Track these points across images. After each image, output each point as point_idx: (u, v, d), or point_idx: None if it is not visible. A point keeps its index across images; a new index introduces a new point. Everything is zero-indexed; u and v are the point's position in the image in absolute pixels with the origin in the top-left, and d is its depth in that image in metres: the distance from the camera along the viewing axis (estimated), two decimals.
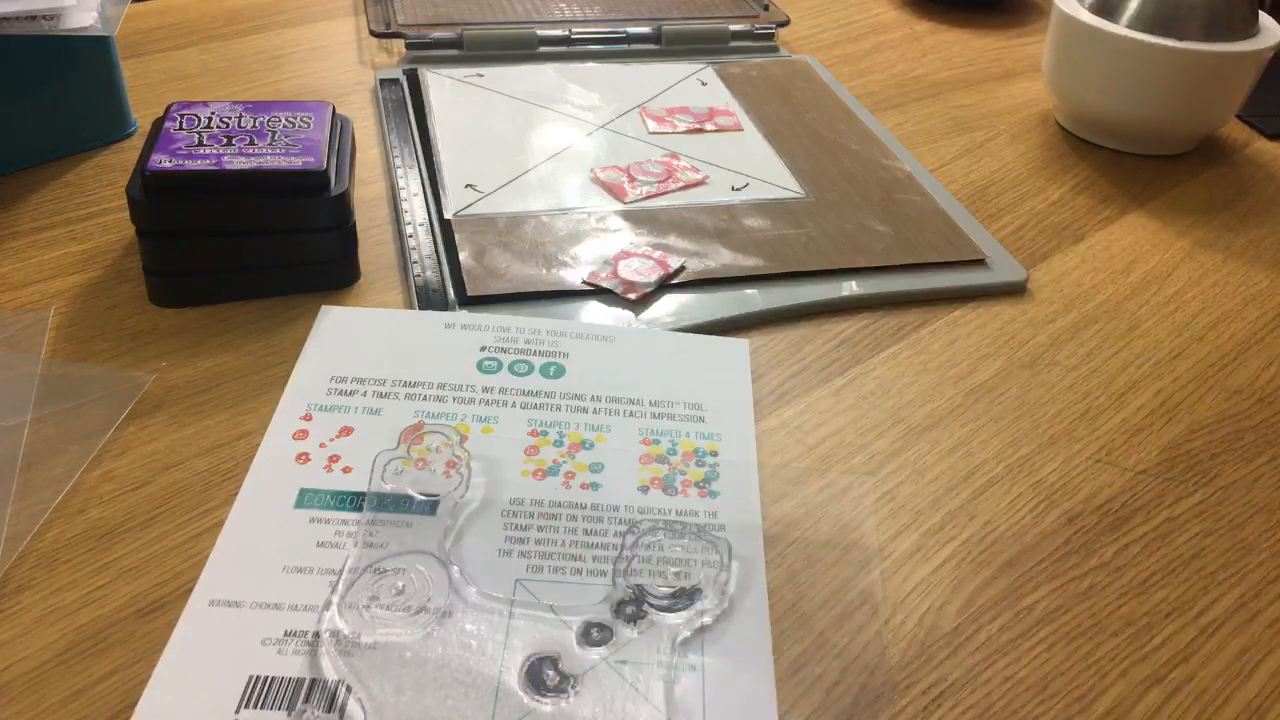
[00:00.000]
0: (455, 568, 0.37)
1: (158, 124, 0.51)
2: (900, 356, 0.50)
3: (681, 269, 0.54)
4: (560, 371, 0.47)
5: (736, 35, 0.80)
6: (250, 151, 0.49)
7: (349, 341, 0.48)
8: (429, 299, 0.51)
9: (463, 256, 0.54)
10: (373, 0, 0.80)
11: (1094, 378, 0.50)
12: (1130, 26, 0.65)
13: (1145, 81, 0.66)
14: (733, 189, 0.61)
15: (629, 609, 0.36)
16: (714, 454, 0.43)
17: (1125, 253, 0.60)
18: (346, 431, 0.43)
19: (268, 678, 0.33)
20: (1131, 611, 0.38)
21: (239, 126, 0.51)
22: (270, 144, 0.50)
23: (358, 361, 0.46)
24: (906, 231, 0.58)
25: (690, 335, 0.50)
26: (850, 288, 0.54)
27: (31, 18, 0.55)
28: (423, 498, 0.40)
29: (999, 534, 0.41)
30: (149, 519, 0.39)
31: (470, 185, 0.60)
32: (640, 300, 0.52)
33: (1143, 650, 0.37)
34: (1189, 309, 0.55)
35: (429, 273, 0.53)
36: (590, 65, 0.76)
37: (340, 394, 0.45)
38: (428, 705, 0.33)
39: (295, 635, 0.35)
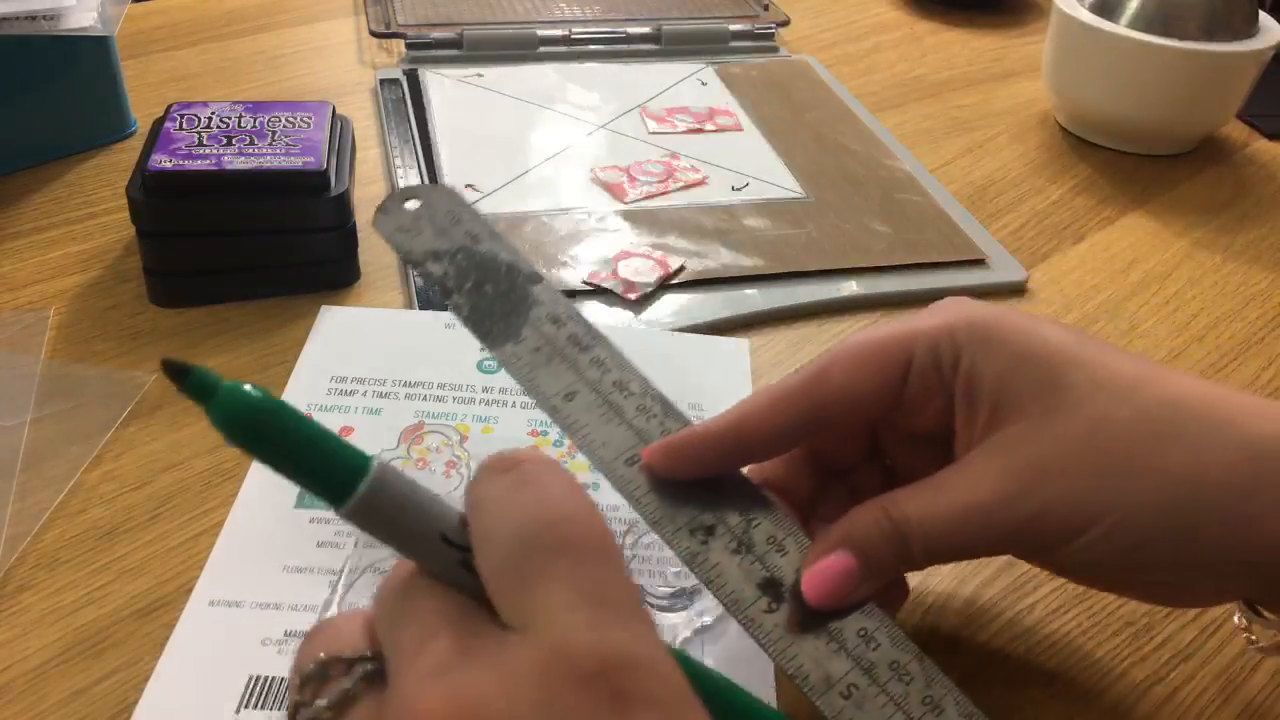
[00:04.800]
0: None
1: (158, 124, 0.51)
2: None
3: (681, 269, 0.54)
4: None
5: (736, 35, 0.80)
6: (250, 151, 0.49)
7: (349, 341, 0.48)
8: (429, 299, 0.51)
9: None
10: (373, 0, 0.80)
11: None
12: (1130, 26, 0.65)
13: (1145, 81, 0.66)
14: (733, 189, 0.61)
15: None
16: None
17: (1125, 253, 0.60)
18: (346, 431, 0.43)
19: (268, 678, 0.33)
20: (1131, 611, 0.38)
21: (239, 126, 0.51)
22: (270, 144, 0.50)
23: (358, 361, 0.46)
24: (906, 231, 0.58)
25: (690, 335, 0.50)
26: (850, 288, 0.54)
27: (31, 18, 0.55)
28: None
29: None
30: (149, 519, 0.39)
31: (470, 185, 0.60)
32: (640, 300, 0.52)
33: (1143, 650, 0.37)
34: (1189, 309, 0.55)
35: None
36: (590, 65, 0.76)
37: (340, 394, 0.45)
38: None
39: (295, 635, 0.35)
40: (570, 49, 0.78)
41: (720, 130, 0.68)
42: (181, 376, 0.21)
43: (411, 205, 0.37)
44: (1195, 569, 0.31)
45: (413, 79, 0.71)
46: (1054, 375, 0.31)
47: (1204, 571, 0.31)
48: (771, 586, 0.31)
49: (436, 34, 0.76)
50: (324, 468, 0.22)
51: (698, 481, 0.32)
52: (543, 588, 0.21)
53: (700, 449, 0.32)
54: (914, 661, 0.30)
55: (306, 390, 0.45)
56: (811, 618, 0.30)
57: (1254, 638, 0.34)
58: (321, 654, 0.23)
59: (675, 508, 0.32)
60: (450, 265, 0.36)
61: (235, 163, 0.48)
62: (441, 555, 0.23)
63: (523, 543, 0.22)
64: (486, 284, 0.36)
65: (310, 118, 0.52)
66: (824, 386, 0.32)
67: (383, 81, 0.71)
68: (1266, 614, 0.33)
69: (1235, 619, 0.35)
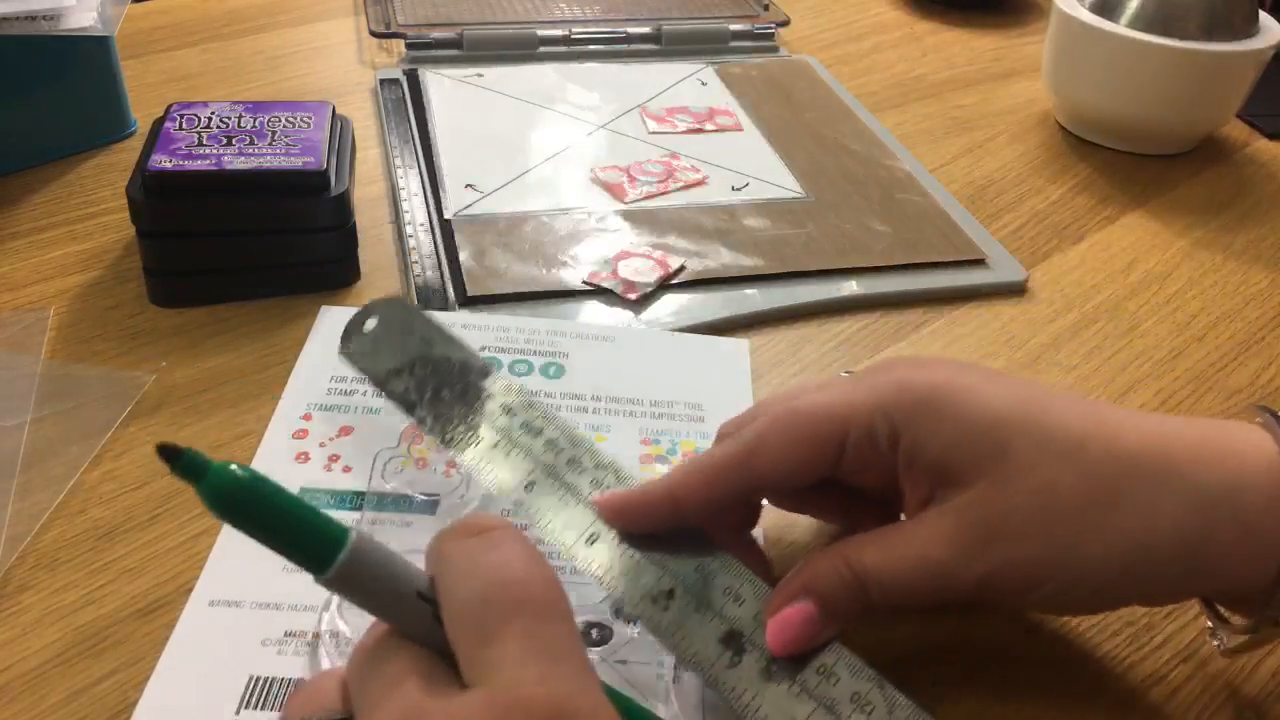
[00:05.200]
0: None
1: (158, 124, 0.51)
2: (901, 357, 0.50)
3: (681, 269, 0.54)
4: (560, 371, 0.47)
5: (736, 35, 0.80)
6: (250, 151, 0.49)
7: None
8: (429, 299, 0.51)
9: (463, 256, 0.54)
10: (373, 0, 0.80)
11: (1094, 377, 0.50)
12: (1130, 26, 0.65)
13: (1145, 81, 0.66)
14: (733, 189, 0.61)
15: None
16: None
17: (1125, 252, 0.60)
18: (346, 431, 0.43)
19: (268, 678, 0.33)
20: (1132, 611, 0.38)
21: (239, 126, 0.51)
22: (270, 144, 0.50)
23: None
24: (906, 231, 0.58)
25: (690, 335, 0.50)
26: (850, 288, 0.54)
27: (31, 18, 0.55)
28: (423, 497, 0.40)
29: None
30: (149, 519, 0.39)
31: (470, 185, 0.60)
32: (640, 300, 0.52)
33: (1142, 650, 0.37)
34: (1189, 309, 0.55)
35: (429, 273, 0.53)
36: (590, 65, 0.76)
37: (340, 394, 0.45)
38: None
39: (295, 635, 0.35)
40: (570, 49, 0.78)
41: (720, 130, 0.68)
42: (175, 459, 0.22)
43: (370, 325, 0.41)
44: (1148, 604, 0.33)
45: (413, 79, 0.71)
46: (1000, 443, 0.31)
47: (1157, 603, 0.33)
48: (732, 639, 0.32)
49: (436, 34, 0.76)
50: (306, 540, 0.24)
51: (652, 543, 0.33)
52: (499, 644, 0.23)
53: (641, 512, 0.33)
54: (874, 690, 0.31)
55: (306, 390, 0.45)
56: (772, 664, 0.31)
57: (1219, 642, 0.35)
58: (300, 715, 0.25)
59: (634, 579, 0.33)
60: (411, 379, 0.39)
61: (235, 163, 0.48)
62: (417, 611, 0.25)
63: (483, 601, 0.24)
64: (444, 389, 0.39)
65: (310, 118, 0.52)
66: (756, 462, 0.33)
67: (383, 81, 0.71)
68: (1224, 612, 0.34)
69: (1206, 624, 0.36)
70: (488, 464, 0.36)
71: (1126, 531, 0.30)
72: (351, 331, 0.41)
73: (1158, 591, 0.32)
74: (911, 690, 0.32)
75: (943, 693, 0.35)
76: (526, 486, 0.35)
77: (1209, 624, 0.35)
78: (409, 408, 0.39)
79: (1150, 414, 0.33)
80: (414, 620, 0.25)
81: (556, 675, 0.23)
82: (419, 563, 0.36)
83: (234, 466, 0.23)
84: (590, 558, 0.34)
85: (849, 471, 0.34)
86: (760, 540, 0.39)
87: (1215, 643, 0.35)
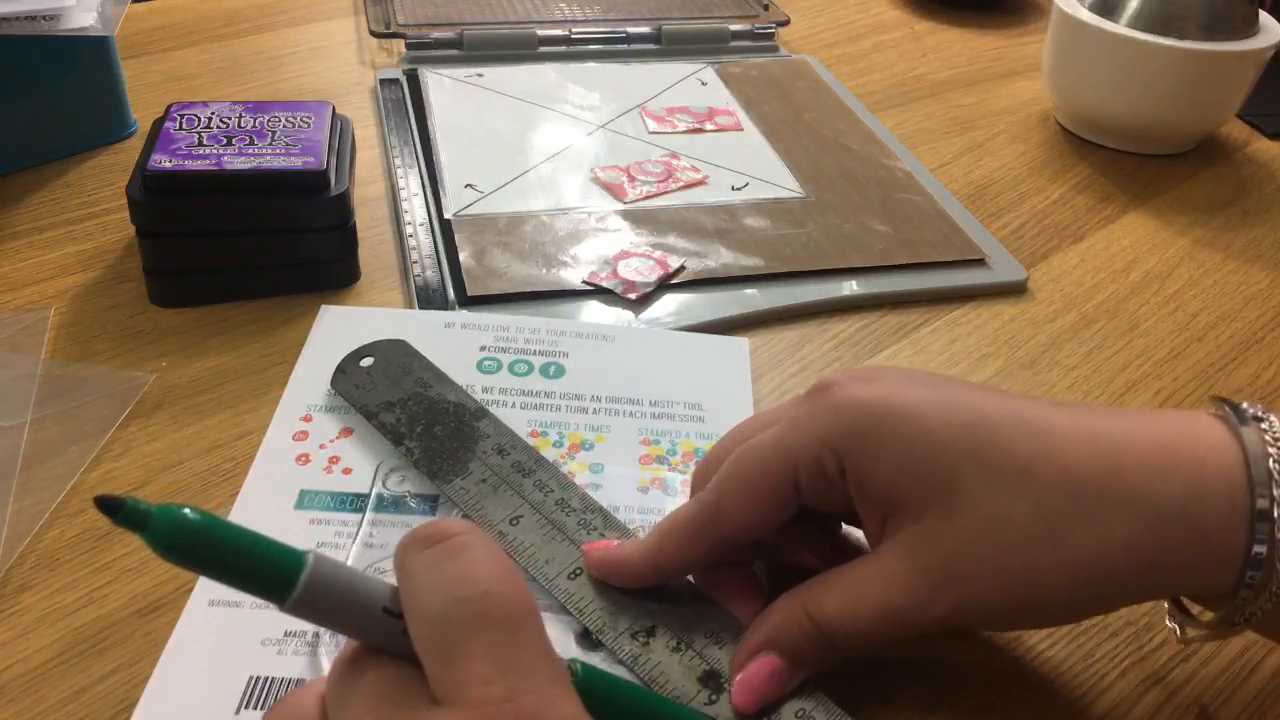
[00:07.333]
0: None
1: (158, 124, 0.51)
2: (900, 356, 0.51)
3: (681, 269, 0.54)
4: (560, 371, 0.47)
5: (736, 35, 0.80)
6: (250, 151, 0.49)
7: (349, 341, 0.48)
8: (429, 299, 0.51)
9: (463, 256, 0.54)
10: (373, 0, 0.80)
11: (1094, 377, 0.50)
12: (1130, 26, 0.65)
13: (1145, 81, 0.66)
14: (733, 189, 0.61)
15: None
16: None
17: (1125, 252, 0.60)
18: (346, 433, 0.43)
19: (268, 678, 0.33)
20: (1131, 611, 0.38)
21: (239, 126, 0.51)
22: (270, 144, 0.50)
23: None
24: (906, 231, 0.58)
25: (690, 335, 0.50)
26: (850, 288, 0.54)
27: (31, 18, 0.55)
28: (421, 503, 0.40)
29: None
30: None
31: (470, 185, 0.60)
32: (640, 300, 0.52)
33: (1142, 650, 0.37)
34: (1189, 308, 0.55)
35: (429, 273, 0.53)
36: (590, 65, 0.76)
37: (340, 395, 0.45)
38: None
39: (295, 635, 0.35)
40: (570, 49, 0.78)
41: (720, 130, 0.68)
42: (114, 511, 0.22)
43: (366, 362, 0.43)
44: (1107, 612, 0.35)
45: (413, 79, 0.71)
46: (946, 472, 0.31)
47: (1115, 609, 0.35)
48: (711, 679, 0.32)
49: (436, 34, 0.76)
50: (260, 573, 0.24)
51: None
52: (463, 663, 0.23)
53: (623, 573, 0.34)
54: None
55: (307, 391, 0.45)
56: None
57: (1177, 631, 0.35)
58: None
59: (616, 615, 0.34)
60: (402, 413, 0.41)
61: (235, 163, 0.48)
62: (385, 627, 0.25)
63: (446, 617, 0.24)
64: (436, 425, 0.40)
65: (310, 118, 0.52)
66: (721, 521, 0.34)
67: (383, 81, 0.71)
68: (1188, 605, 0.34)
69: (1167, 620, 0.36)
70: (475, 496, 0.37)
71: (1079, 559, 0.30)
72: (347, 366, 0.43)
73: (1115, 604, 0.33)
74: (896, 710, 0.32)
75: (944, 692, 0.35)
76: (512, 520, 0.36)
77: (1167, 608, 0.35)
78: (397, 439, 0.40)
79: (1103, 416, 0.32)
80: (384, 636, 0.25)
81: (523, 690, 0.23)
82: None
83: (186, 510, 0.22)
84: (572, 590, 0.34)
85: (815, 504, 0.34)
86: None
87: (1173, 628, 0.35)
